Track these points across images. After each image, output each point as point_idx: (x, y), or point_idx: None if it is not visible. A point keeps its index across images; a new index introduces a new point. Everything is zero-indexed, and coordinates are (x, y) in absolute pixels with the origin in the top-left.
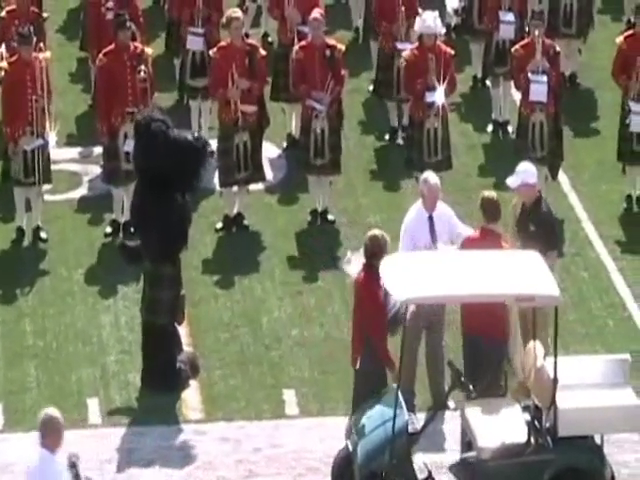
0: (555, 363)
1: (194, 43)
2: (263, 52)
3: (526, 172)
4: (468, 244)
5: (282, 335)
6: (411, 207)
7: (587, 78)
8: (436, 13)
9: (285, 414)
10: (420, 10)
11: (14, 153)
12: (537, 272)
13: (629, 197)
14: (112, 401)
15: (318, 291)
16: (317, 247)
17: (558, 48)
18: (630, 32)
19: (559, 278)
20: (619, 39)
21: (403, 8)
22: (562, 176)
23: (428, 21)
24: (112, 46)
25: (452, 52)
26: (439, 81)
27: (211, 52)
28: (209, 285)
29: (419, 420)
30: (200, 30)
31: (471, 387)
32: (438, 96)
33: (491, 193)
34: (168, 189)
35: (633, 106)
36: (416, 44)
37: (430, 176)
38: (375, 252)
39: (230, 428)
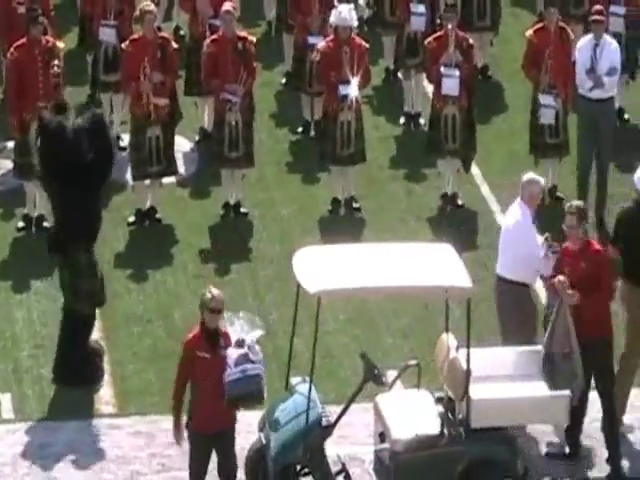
0: (468, 354)
1: (106, 34)
2: (175, 45)
3: None
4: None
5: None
6: (514, 212)
7: (499, 70)
8: (351, 5)
9: None
10: (336, 2)
11: None
12: (449, 264)
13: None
14: (25, 396)
15: (230, 284)
16: (230, 241)
17: (471, 41)
18: (540, 25)
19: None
20: (529, 33)
21: (318, 2)
22: (474, 168)
23: (343, 13)
24: (23, 40)
25: (367, 45)
26: (353, 74)
27: (123, 45)
28: (121, 279)
29: (332, 413)
30: (112, 22)
31: (384, 379)
32: (352, 89)
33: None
34: (91, 170)
35: (542, 99)
36: (331, 36)
37: (537, 176)
38: None
39: (143, 422)
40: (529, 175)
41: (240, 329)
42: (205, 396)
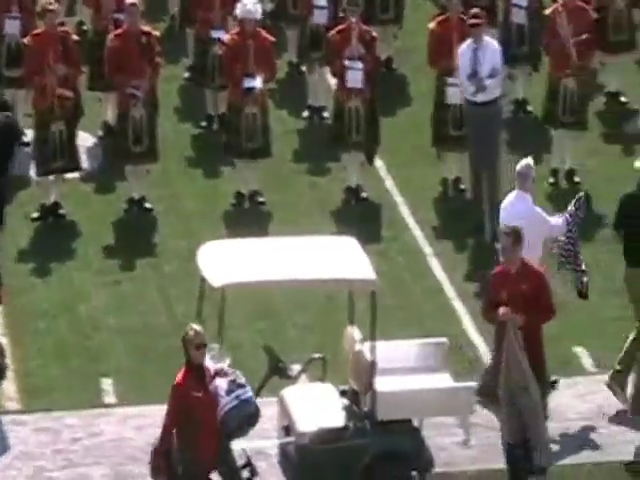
0: (373, 347)
1: (11, 27)
2: (75, 37)
3: None
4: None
5: (100, 324)
6: (513, 202)
7: (403, 63)
8: None
9: (104, 403)
10: None
11: None
12: (353, 257)
13: (444, 181)
14: None
15: (135, 279)
16: (134, 235)
17: (374, 33)
18: (442, 17)
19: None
20: (432, 24)
21: None
22: (378, 161)
23: (248, 6)
24: None
25: (272, 39)
26: (258, 67)
27: (25, 39)
28: (26, 275)
29: None
30: (17, 14)
31: (289, 372)
32: (257, 82)
33: None
34: None
35: (449, 79)
36: (236, 29)
37: (529, 159)
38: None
39: (48, 418)
40: (524, 161)
41: (213, 360)
42: (206, 434)
